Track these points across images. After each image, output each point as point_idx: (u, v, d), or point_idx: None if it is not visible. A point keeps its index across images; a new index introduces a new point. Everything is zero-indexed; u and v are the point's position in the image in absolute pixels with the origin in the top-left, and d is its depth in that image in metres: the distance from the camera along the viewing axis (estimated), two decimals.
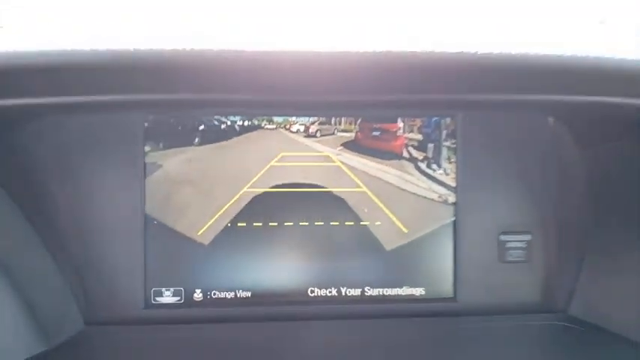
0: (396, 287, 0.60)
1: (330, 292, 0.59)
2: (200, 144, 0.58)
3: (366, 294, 0.60)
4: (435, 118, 0.60)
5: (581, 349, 0.52)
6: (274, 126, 0.58)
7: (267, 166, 0.59)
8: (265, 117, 0.58)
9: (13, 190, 0.49)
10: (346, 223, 0.59)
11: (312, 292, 0.59)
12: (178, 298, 0.58)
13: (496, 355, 0.51)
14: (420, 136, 0.60)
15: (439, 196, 0.60)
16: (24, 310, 0.47)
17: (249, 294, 0.59)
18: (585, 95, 0.42)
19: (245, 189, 0.58)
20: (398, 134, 0.60)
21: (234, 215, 0.58)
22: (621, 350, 0.49)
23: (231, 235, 0.58)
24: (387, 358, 0.50)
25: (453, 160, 0.60)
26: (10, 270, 0.47)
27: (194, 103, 0.49)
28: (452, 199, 0.60)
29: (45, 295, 0.50)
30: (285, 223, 0.59)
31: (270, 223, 0.59)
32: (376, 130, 0.60)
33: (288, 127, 0.59)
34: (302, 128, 0.59)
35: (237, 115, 0.58)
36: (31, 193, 0.52)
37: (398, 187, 0.60)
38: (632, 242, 0.52)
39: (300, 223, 0.59)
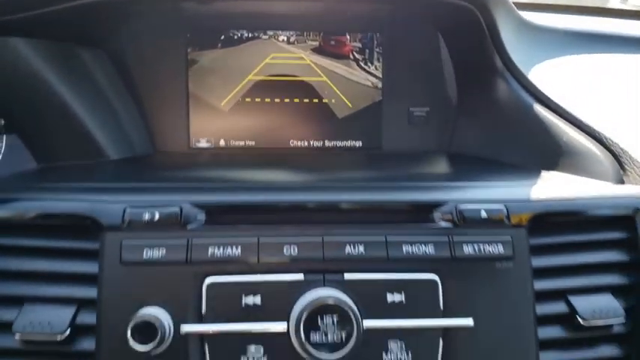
0: (344, 140, 0.97)
1: (302, 142, 0.96)
2: (221, 48, 0.94)
3: (325, 145, 0.96)
4: (370, 33, 0.96)
5: (455, 162, 0.89)
6: (267, 37, 0.95)
7: (263, 63, 0.95)
8: (262, 30, 0.94)
9: (118, 66, 0.86)
10: (313, 100, 0.96)
11: (292, 142, 0.96)
12: (210, 144, 0.94)
13: (408, 167, 0.87)
14: (360, 45, 0.96)
15: (371, 84, 0.96)
16: (120, 130, 0.84)
17: (253, 143, 0.95)
18: None
19: (249, 77, 0.95)
20: (346, 43, 0.96)
21: (243, 93, 0.95)
22: (472, 162, 0.86)
23: (242, 106, 0.95)
24: (338, 168, 0.86)
25: (380, 60, 0.96)
26: (112, 107, 0.83)
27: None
28: (379, 85, 0.97)
29: (133, 127, 0.87)
30: (275, 100, 0.95)
31: (266, 100, 0.95)
32: (332, 40, 0.96)
33: (276, 37, 0.95)
34: (285, 38, 0.95)
35: (245, 29, 0.94)
36: (126, 72, 0.88)
37: (346, 78, 0.96)
38: (485, 103, 0.89)
39: (285, 100, 0.96)
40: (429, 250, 0.56)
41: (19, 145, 0.79)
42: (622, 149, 0.70)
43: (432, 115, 0.97)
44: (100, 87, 0.83)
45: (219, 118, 0.95)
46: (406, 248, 0.55)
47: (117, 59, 0.87)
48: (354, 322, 0.51)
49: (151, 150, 0.91)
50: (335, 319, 0.51)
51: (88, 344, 0.54)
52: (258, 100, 0.95)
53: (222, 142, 0.95)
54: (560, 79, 0.84)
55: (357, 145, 0.97)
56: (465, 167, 0.82)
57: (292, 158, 0.92)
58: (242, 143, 0.95)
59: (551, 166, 0.76)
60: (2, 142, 0.84)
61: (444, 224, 0.58)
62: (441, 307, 0.55)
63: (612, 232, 0.62)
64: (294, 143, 0.96)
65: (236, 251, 0.54)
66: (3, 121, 0.82)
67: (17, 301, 0.54)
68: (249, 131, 0.95)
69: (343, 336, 0.51)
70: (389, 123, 0.97)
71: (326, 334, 0.51)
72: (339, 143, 0.97)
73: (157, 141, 0.92)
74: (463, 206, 0.58)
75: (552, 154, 0.76)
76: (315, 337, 0.51)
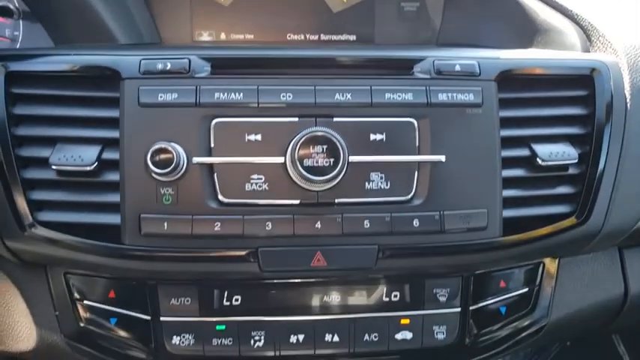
0: (338, 34, 1.04)
1: (299, 36, 1.03)
2: None
3: (320, 38, 1.03)
4: None
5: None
6: None
7: None
8: None
9: None
10: None
11: (289, 36, 1.03)
12: (211, 37, 1.01)
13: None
14: None
15: None
16: (130, 20, 0.91)
17: (252, 36, 1.02)
18: None
19: None
20: None
21: None
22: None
23: (241, 0, 1.01)
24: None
25: None
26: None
27: None
28: None
29: (141, 19, 0.94)
30: None
31: None
32: None
33: None
34: None
35: None
36: None
37: None
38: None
39: None
40: (408, 97, 0.64)
41: (39, 30, 0.87)
42: (590, 23, 0.77)
43: (422, 10, 1.03)
44: None
45: (219, 12, 1.01)
46: (388, 95, 0.64)
47: None
48: (341, 152, 0.60)
49: (157, 41, 0.98)
50: (324, 149, 0.60)
51: (113, 176, 0.63)
52: None
53: (222, 36, 1.02)
54: None
55: (351, 39, 1.04)
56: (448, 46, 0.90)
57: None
58: (241, 37, 1.03)
59: (529, 44, 0.83)
60: (19, 28, 0.91)
61: (422, 76, 0.66)
62: (417, 145, 0.64)
63: (573, 90, 0.70)
64: (291, 37, 1.03)
65: (239, 96, 0.63)
66: (18, 5, 0.89)
67: (51, 142, 0.64)
68: (248, 25, 1.02)
69: (332, 163, 0.60)
70: (381, 17, 1.03)
71: (317, 162, 0.60)
72: (334, 37, 1.04)
73: (163, 33, 0.99)
74: (440, 62, 0.66)
75: (530, 33, 0.83)
76: (308, 163, 0.60)
